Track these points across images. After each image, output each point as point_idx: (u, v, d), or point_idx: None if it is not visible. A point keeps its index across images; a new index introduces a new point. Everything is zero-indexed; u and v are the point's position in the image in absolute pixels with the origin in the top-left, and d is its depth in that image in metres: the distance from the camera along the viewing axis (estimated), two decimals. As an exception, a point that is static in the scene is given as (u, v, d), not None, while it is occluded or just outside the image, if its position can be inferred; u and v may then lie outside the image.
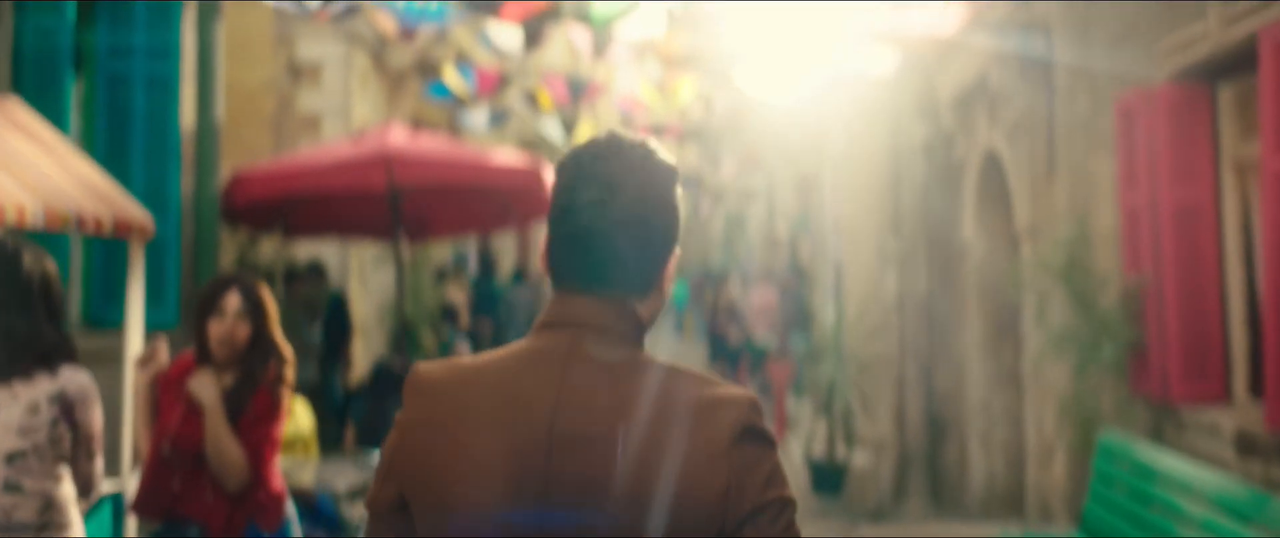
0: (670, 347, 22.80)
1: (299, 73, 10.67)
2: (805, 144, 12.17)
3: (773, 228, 18.71)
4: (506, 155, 8.06)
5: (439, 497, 1.48)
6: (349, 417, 6.20)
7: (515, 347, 1.57)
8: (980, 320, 9.04)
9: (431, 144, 7.91)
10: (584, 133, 11.06)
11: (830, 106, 10.51)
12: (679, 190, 1.60)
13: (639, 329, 1.56)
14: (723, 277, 21.34)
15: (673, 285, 1.68)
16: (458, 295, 12.68)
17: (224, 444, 3.41)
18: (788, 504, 1.47)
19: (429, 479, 1.49)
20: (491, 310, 14.56)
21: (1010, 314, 8.93)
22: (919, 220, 10.00)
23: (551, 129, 10.94)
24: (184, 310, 6.78)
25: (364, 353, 10.52)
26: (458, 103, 11.35)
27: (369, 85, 11.14)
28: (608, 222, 1.51)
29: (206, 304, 3.54)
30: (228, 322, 3.50)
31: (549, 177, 7.76)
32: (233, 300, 3.52)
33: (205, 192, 6.93)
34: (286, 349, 3.60)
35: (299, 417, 5.86)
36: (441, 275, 13.10)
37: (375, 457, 5.96)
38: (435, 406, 1.52)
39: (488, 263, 15.02)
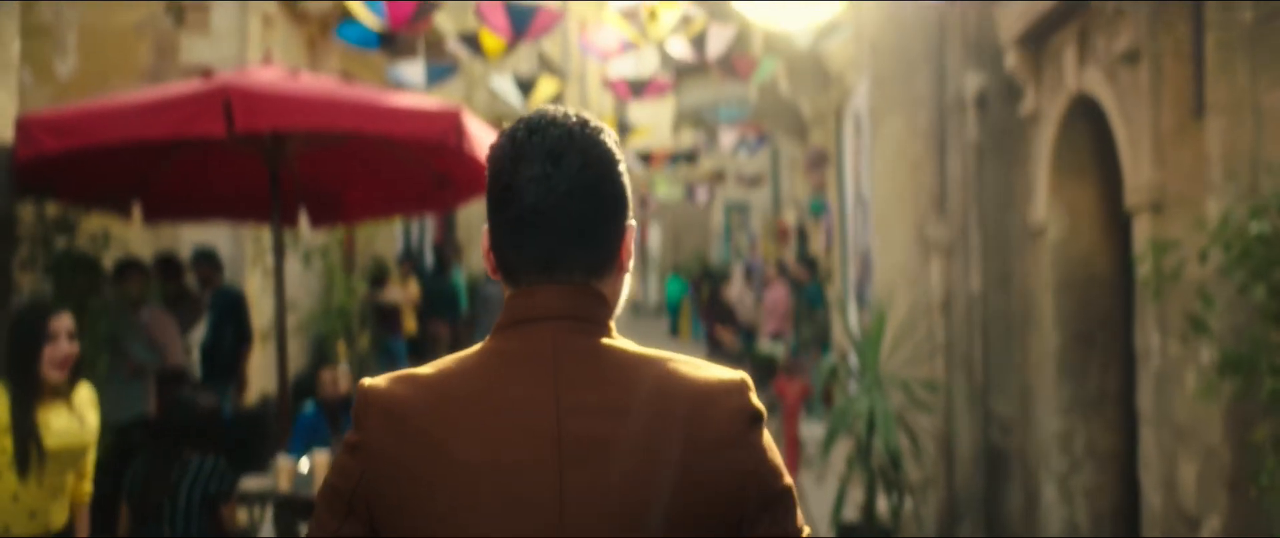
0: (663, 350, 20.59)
1: (182, 14, 8.44)
2: (821, 103, 9.94)
3: (779, 216, 16.47)
4: (411, 98, 5.86)
5: (431, 527, 1.34)
6: (122, 491, 3.99)
7: (480, 351, 1.43)
8: (1058, 327, 6.81)
9: (309, 83, 5.69)
10: (545, 92, 8.82)
11: (854, 52, 8.30)
12: (621, 157, 1.47)
13: (609, 315, 1.46)
14: (723, 273, 19.13)
15: (630, 262, 1.50)
16: (399, 294, 10.44)
17: None
18: (793, 493, 1.43)
19: (415, 509, 1.34)
20: (449, 313, 12.33)
21: (1104, 318, 6.72)
22: (971, 196, 7.79)
23: (505, 87, 8.72)
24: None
25: (263, 370, 8.30)
26: (389, 56, 9.15)
27: (276, 32, 8.92)
28: (556, 195, 1.41)
29: None
30: None
31: (473, 128, 5.60)
32: None
33: (-43, 143, 4.70)
34: None
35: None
36: (378, 276, 10.76)
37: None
38: (407, 424, 1.37)
39: (444, 255, 12.76)
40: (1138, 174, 5.44)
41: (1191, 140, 4.92)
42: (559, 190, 1.40)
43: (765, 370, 10.38)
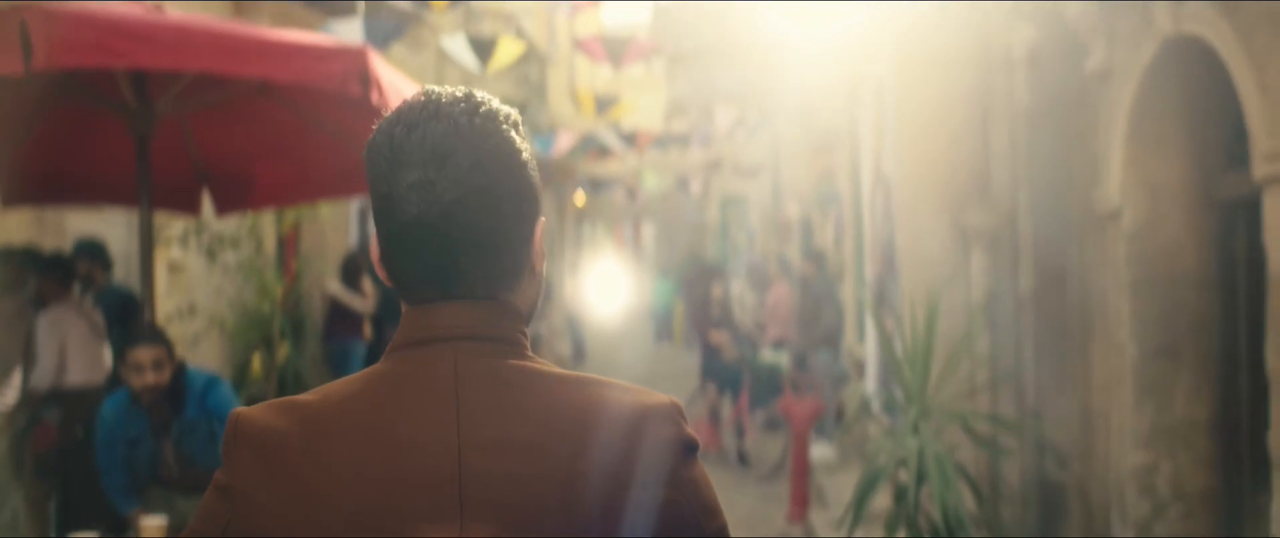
0: (652, 357, 19.27)
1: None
2: (833, 76, 8.56)
3: (780, 208, 15.11)
4: (302, 35, 4.48)
5: None
6: None
7: (372, 376, 1.23)
8: (1136, 337, 5.45)
9: (170, 18, 4.31)
10: (506, 55, 7.43)
11: (877, 11, 6.94)
12: (524, 145, 1.23)
13: (522, 330, 1.27)
14: (718, 271, 17.76)
15: (544, 264, 1.29)
16: (357, 302, 9.01)
17: None
18: (726, 533, 1.29)
19: None
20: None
21: (1195, 326, 5.36)
22: (1021, 175, 6.43)
23: (459, 50, 7.35)
24: None
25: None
26: (323, 14, 7.81)
27: (192, -13, 7.54)
28: (442, 205, 1.19)
29: None
30: None
31: (387, 77, 4.28)
32: None
33: None
34: None
35: None
36: (347, 271, 9.51)
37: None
38: (279, 464, 1.18)
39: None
40: (1272, 134, 4.07)
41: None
42: (445, 199, 1.19)
43: (769, 385, 9.03)
